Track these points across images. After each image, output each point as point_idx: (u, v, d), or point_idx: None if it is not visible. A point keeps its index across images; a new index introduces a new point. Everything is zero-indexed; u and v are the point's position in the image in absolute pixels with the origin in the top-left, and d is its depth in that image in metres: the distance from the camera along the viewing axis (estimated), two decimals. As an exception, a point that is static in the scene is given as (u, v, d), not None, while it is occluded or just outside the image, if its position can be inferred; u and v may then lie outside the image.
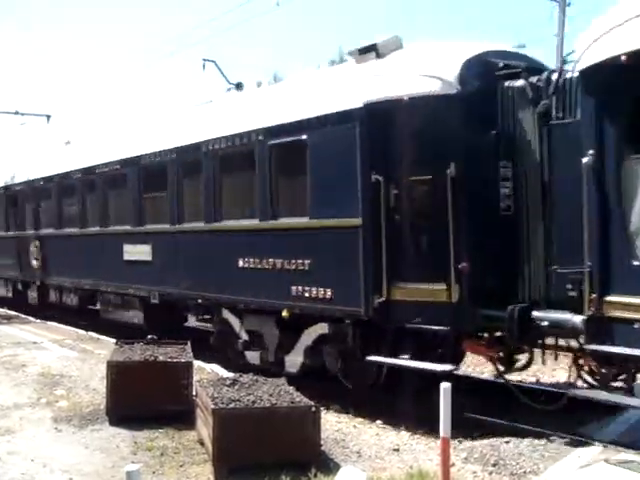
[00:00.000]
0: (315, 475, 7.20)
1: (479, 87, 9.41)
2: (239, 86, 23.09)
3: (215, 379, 9.43)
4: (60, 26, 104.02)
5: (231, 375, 9.59)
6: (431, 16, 76.96)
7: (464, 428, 8.53)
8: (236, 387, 8.42)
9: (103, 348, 14.93)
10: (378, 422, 9.70)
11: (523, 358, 9.74)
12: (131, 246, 15.69)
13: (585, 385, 8.94)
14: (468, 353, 10.58)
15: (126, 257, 15.88)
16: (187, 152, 13.75)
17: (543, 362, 9.60)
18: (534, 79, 9.09)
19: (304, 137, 10.85)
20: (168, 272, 14.30)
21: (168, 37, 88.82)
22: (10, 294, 24.18)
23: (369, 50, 10.73)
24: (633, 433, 8.60)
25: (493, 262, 9.16)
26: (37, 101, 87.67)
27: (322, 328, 10.82)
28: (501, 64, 9.50)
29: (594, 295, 7.90)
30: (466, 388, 9.89)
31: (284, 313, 11.20)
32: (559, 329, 8.56)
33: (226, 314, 12.82)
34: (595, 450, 8.00)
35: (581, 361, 8.69)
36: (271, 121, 11.67)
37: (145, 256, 15.11)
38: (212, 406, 7.61)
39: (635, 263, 7.62)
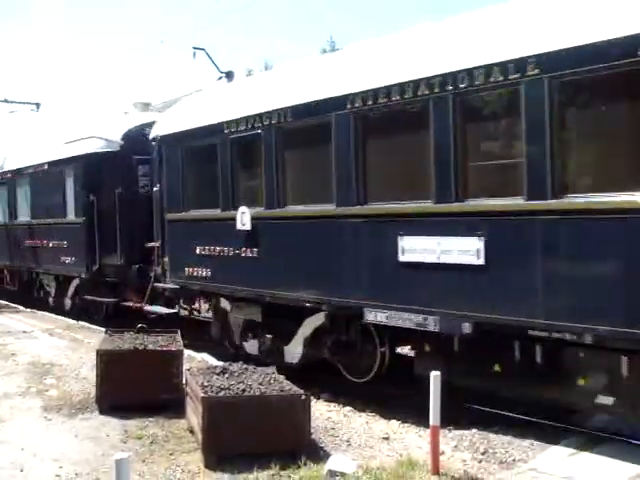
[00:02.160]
0: (305, 463, 7.21)
1: None
2: (229, 75, 23.00)
3: (205, 368, 9.42)
4: (49, 13, 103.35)
5: (221, 364, 9.59)
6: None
7: (454, 416, 8.55)
8: (226, 375, 8.41)
9: (93, 337, 14.90)
10: (368, 411, 9.71)
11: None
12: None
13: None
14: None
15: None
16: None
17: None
18: None
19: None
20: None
21: (158, 25, 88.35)
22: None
23: None
24: (621, 421, 8.63)
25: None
26: (27, 89, 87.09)
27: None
28: None
29: None
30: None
31: None
32: None
33: None
34: (584, 438, 8.04)
35: None
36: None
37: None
38: (202, 394, 7.61)
39: None
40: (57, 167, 18.70)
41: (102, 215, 16.86)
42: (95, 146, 16.98)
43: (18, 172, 21.40)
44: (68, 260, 18.25)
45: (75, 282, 18.65)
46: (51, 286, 20.42)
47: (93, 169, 17.02)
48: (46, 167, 19.43)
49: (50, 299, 20.56)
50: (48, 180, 19.26)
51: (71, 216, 18.11)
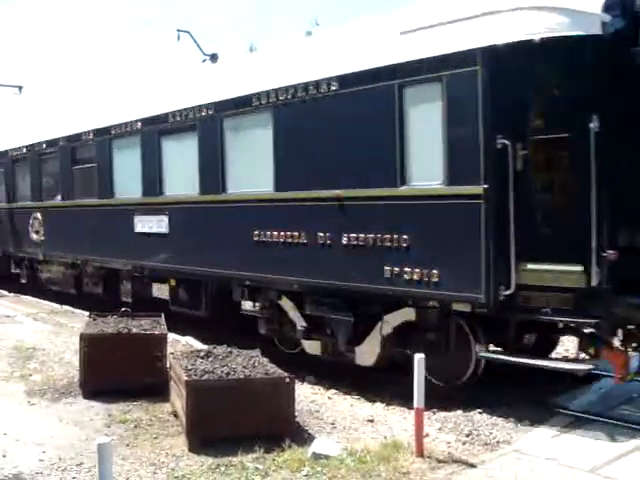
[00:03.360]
0: (289, 446, 7.20)
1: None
2: (214, 57, 22.85)
3: (189, 351, 9.39)
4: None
5: (205, 347, 9.57)
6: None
7: (438, 399, 8.58)
8: (210, 359, 8.39)
9: (77, 321, 14.83)
10: (353, 394, 9.71)
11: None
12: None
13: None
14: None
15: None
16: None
17: None
18: None
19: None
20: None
21: (142, 7, 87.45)
22: None
23: None
24: (604, 402, 8.70)
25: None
26: (9, 71, 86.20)
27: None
28: None
29: None
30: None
31: None
32: None
33: None
34: (567, 420, 8.08)
35: None
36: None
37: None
38: (185, 378, 7.58)
39: None
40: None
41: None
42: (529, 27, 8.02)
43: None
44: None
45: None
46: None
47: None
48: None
49: None
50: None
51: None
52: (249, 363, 8.16)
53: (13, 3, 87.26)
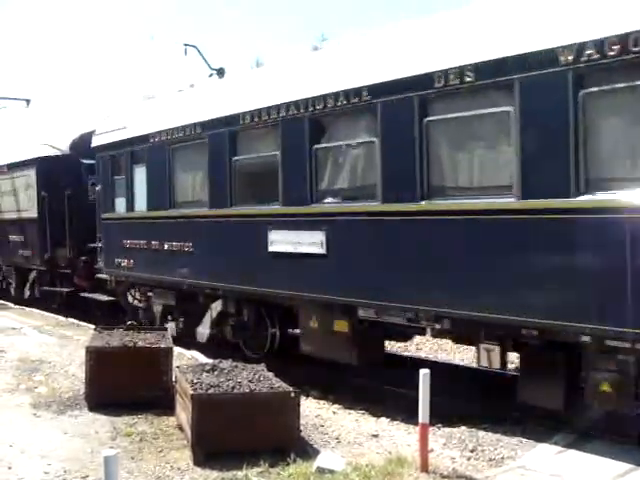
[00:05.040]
0: (294, 460, 7.20)
1: None
2: (221, 72, 22.95)
3: (195, 365, 9.41)
4: (38, 9, 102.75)
5: (211, 361, 9.58)
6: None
7: (443, 414, 8.57)
8: (215, 373, 8.40)
9: (83, 334, 14.85)
10: (358, 408, 9.72)
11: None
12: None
13: None
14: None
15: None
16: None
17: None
18: None
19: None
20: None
21: (149, 21, 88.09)
22: None
23: None
24: (608, 420, 8.67)
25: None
26: (17, 85, 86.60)
27: None
28: None
29: None
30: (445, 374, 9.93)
31: None
32: None
33: None
34: (572, 436, 8.07)
35: None
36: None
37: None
38: (191, 392, 7.60)
39: None
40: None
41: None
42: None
43: None
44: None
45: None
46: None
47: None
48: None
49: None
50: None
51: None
52: (254, 377, 8.17)
53: (21, 18, 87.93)
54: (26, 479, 7.01)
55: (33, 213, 19.87)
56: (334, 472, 6.93)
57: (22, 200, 20.58)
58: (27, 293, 21.32)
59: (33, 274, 20.76)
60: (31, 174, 19.91)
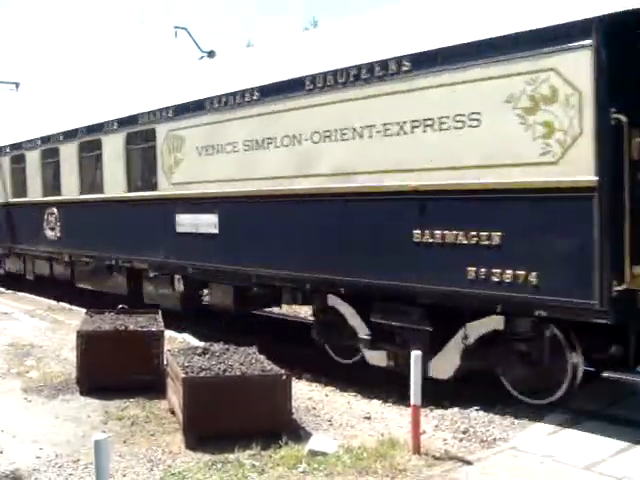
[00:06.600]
0: (286, 443, 7.21)
1: None
2: (211, 54, 22.78)
3: (186, 348, 9.39)
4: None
5: (202, 344, 9.57)
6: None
7: (435, 396, 8.58)
8: (207, 356, 8.38)
9: (74, 318, 14.81)
10: (350, 391, 9.72)
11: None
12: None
13: None
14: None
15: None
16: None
17: None
18: None
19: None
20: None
21: (139, 2, 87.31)
22: None
23: None
24: (600, 400, 8.70)
25: None
26: (5, 69, 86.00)
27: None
28: None
29: None
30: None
31: None
32: None
33: None
34: (564, 417, 8.09)
35: None
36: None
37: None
38: (182, 375, 7.58)
39: None
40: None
41: None
42: None
43: None
44: None
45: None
46: None
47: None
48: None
49: None
50: None
51: None
52: (246, 360, 8.16)
53: (9, 1, 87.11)
54: (18, 464, 6.99)
55: None
56: (326, 454, 6.94)
57: None
58: None
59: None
60: None
